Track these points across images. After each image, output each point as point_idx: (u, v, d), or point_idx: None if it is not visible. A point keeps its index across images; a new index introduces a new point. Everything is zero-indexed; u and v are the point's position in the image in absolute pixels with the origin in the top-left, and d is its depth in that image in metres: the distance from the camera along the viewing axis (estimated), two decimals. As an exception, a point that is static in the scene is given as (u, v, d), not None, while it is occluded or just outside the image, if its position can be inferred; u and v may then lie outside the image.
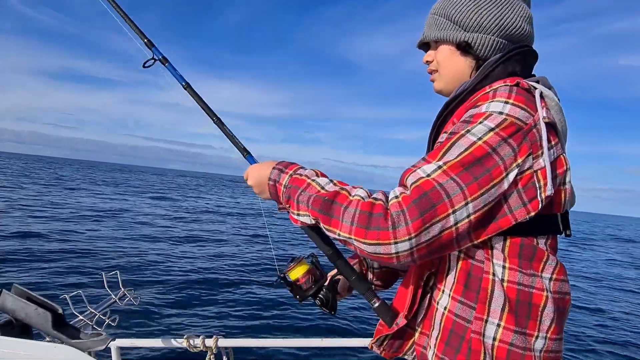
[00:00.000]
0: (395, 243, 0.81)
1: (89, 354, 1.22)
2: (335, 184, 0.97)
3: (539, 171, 0.86)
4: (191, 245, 11.56)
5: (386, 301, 1.10)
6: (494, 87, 0.93)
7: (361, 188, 0.93)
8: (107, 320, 1.59)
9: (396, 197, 0.84)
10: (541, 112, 0.88)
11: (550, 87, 1.00)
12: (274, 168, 1.05)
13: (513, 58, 0.99)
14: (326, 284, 1.14)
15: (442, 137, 0.96)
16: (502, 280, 0.88)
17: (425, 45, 1.16)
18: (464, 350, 0.89)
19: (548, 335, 0.87)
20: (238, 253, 11.04)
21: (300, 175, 1.00)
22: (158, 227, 14.36)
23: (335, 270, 1.19)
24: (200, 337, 1.87)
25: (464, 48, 1.05)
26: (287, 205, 1.01)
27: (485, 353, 0.87)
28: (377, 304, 1.08)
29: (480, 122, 0.87)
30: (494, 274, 0.89)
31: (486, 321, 0.87)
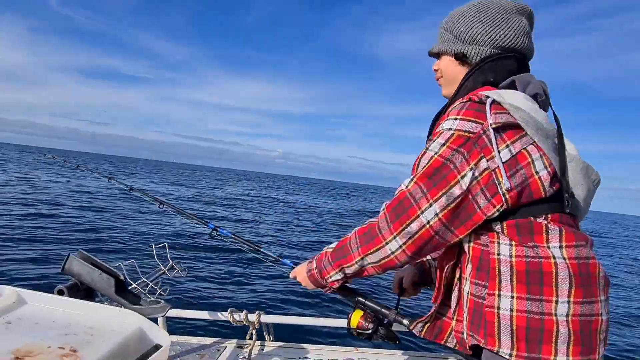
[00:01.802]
0: (387, 243, 1.03)
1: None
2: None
3: (496, 170, 0.98)
4: (238, 224, 11.84)
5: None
6: (453, 106, 1.08)
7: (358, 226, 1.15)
8: (159, 290, 1.63)
9: (382, 209, 1.06)
10: (489, 119, 1.00)
11: (527, 84, 1.10)
12: (307, 263, 1.31)
13: (483, 68, 1.14)
14: (379, 324, 1.31)
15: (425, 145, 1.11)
16: (511, 256, 0.97)
17: (435, 54, 1.31)
18: (482, 324, 0.99)
19: (571, 300, 0.92)
20: (280, 234, 11.25)
21: (319, 254, 1.26)
22: (203, 210, 14.75)
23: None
24: (244, 311, 1.91)
25: (461, 58, 1.20)
26: (323, 279, 1.23)
27: (499, 323, 0.95)
28: (406, 322, 1.27)
29: (435, 140, 1.05)
30: (498, 254, 0.99)
31: (498, 295, 0.97)
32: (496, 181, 0.97)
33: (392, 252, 1.03)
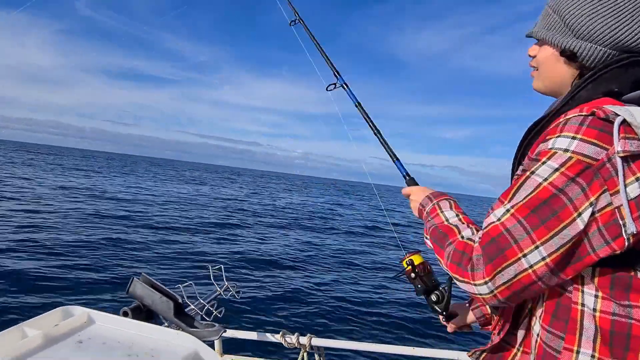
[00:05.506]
0: (475, 285, 0.86)
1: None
2: (460, 220, 1.04)
3: (621, 207, 0.79)
4: (289, 242, 12.00)
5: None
6: (568, 117, 0.87)
7: (469, 228, 0.98)
8: (215, 312, 1.70)
9: (476, 241, 0.89)
10: (617, 145, 0.79)
11: None
12: (427, 196, 1.19)
13: (608, 74, 0.91)
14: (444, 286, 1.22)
15: (524, 164, 0.94)
16: (594, 309, 0.84)
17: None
18: None
19: None
20: (338, 252, 11.28)
21: (439, 205, 1.13)
22: (261, 226, 15.10)
23: None
24: (295, 334, 1.94)
25: (569, 56, 0.97)
26: (425, 222, 1.14)
27: None
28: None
29: (544, 162, 0.85)
30: (582, 304, 0.86)
31: (577, 352, 0.84)
32: (620, 222, 0.79)
33: (480, 294, 0.87)
